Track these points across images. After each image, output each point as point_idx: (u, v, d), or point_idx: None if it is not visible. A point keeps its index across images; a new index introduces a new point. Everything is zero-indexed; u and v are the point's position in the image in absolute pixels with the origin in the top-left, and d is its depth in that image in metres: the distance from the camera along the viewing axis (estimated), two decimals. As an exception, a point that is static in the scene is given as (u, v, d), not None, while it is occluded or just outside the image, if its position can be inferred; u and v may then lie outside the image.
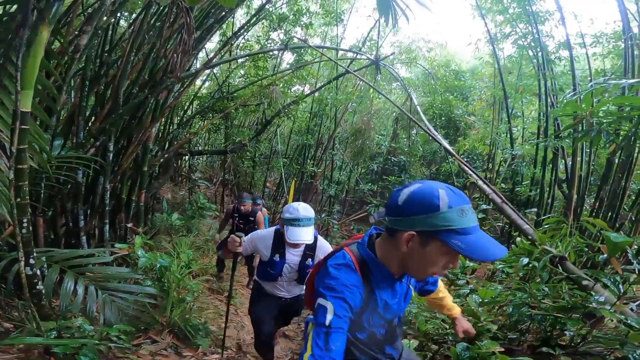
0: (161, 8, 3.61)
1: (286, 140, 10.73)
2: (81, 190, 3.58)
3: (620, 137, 2.77)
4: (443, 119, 10.92)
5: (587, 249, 2.71)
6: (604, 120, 2.61)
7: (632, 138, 2.56)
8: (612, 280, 1.86)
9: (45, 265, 2.54)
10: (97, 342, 2.14)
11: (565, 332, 2.05)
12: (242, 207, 4.62)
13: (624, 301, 1.91)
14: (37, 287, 2.17)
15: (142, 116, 3.94)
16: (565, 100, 3.71)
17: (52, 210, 3.38)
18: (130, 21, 4.46)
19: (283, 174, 8.73)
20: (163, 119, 5.61)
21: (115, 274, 2.87)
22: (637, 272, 1.92)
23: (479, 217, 7.58)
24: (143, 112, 3.94)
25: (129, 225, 3.95)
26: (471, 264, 3.00)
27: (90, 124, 3.67)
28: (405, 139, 10.30)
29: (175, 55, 3.15)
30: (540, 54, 6.40)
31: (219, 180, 10.30)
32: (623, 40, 4.68)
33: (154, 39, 3.69)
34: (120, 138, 3.92)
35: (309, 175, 9.33)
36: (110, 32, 3.90)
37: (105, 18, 3.09)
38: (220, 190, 9.83)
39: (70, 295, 2.38)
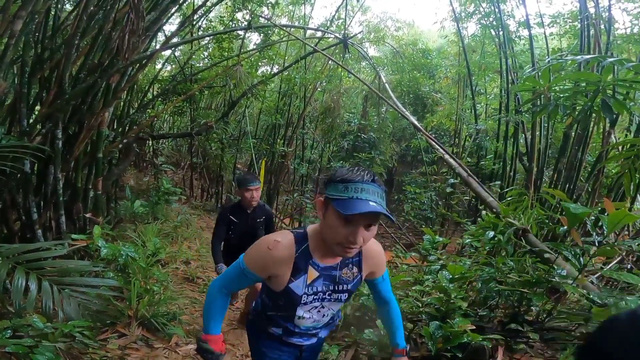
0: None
1: (255, 121, 10.46)
2: (31, 181, 3.34)
3: (577, 112, 2.86)
4: (411, 96, 11.03)
5: (547, 221, 2.83)
6: (561, 95, 2.69)
7: (588, 112, 2.64)
8: (572, 253, 1.92)
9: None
10: (51, 340, 2.02)
11: (532, 307, 2.10)
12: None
13: (585, 274, 1.98)
14: (-15, 285, 2.03)
15: (92, 101, 3.69)
16: (524, 77, 3.80)
17: (1, 204, 3.17)
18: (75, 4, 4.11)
19: (253, 154, 8.54)
20: (121, 103, 5.29)
21: (73, 268, 2.71)
22: (596, 244, 1.99)
23: (447, 191, 7.90)
24: (94, 96, 3.68)
25: (88, 215, 3.72)
26: (441, 238, 3.06)
27: (36, 111, 3.40)
28: (375, 117, 10.33)
29: (122, 36, 2.94)
30: (501, 33, 6.51)
31: (187, 164, 9.97)
32: (579, 20, 4.79)
33: (101, 21, 3.43)
34: (70, 124, 3.65)
35: (279, 155, 9.20)
36: (52, 16, 3.61)
37: (41, 2, 2.91)
38: (188, 174, 9.52)
39: (22, 292, 2.22)
